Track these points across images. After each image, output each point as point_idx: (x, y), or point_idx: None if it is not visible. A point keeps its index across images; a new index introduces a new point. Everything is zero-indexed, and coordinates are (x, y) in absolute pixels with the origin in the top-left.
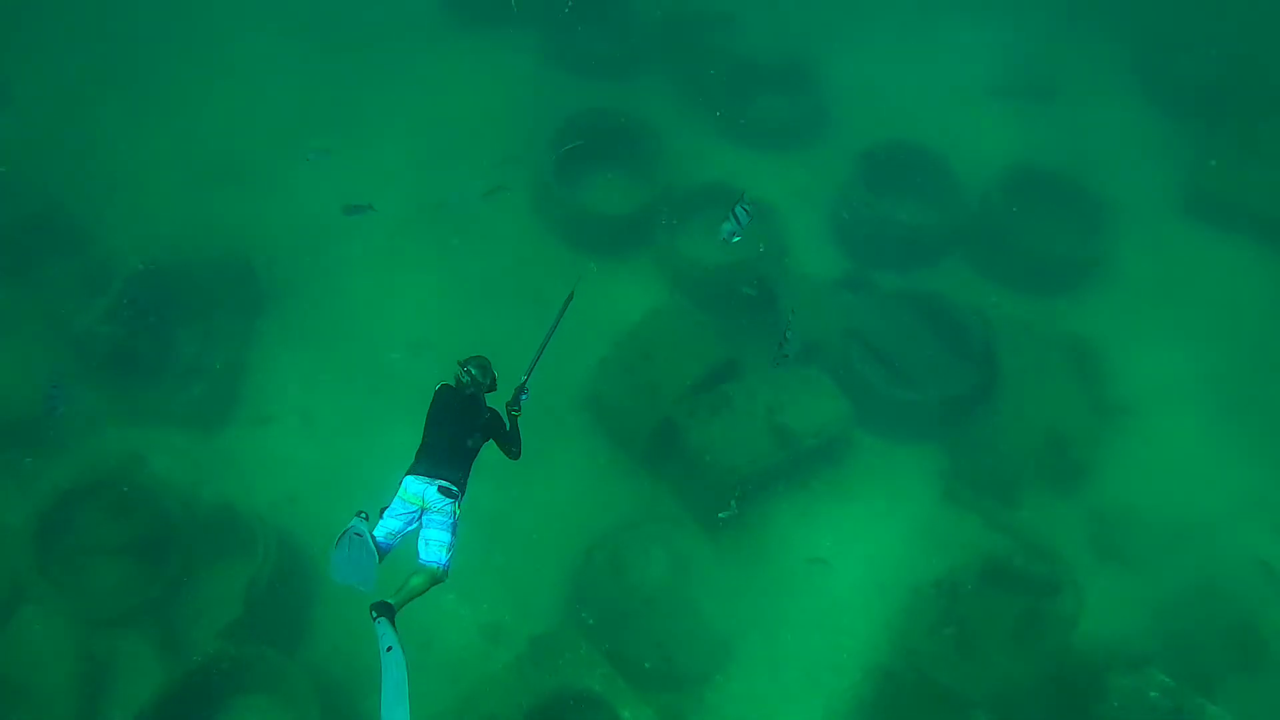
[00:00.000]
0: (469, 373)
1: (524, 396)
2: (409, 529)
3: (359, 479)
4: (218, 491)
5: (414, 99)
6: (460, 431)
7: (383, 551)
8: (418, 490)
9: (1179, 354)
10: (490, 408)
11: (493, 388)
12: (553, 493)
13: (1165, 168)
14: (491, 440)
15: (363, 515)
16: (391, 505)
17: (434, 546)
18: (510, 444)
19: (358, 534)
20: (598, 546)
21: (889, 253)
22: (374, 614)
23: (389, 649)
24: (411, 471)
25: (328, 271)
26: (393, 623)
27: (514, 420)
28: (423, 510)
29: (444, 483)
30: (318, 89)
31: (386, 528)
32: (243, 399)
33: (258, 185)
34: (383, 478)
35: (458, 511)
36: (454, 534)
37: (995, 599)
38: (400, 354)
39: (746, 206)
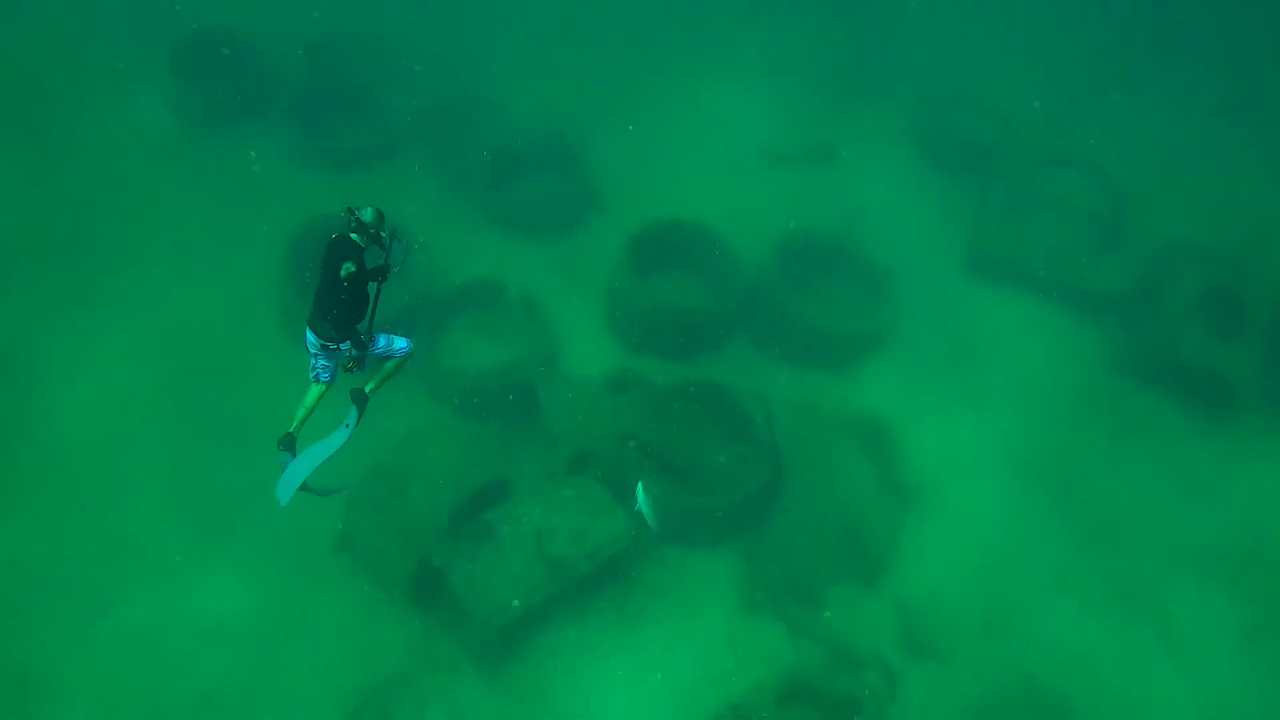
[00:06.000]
0: (353, 218)
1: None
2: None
3: None
4: None
5: (152, 216)
6: (332, 275)
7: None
8: (313, 341)
9: (970, 424)
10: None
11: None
12: (314, 653)
13: (944, 227)
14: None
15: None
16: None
17: (382, 356)
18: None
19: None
20: (363, 711)
21: (668, 340)
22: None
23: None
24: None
25: None
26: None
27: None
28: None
29: (336, 347)
30: (41, 216)
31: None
32: None
33: None
34: None
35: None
36: (382, 344)
37: None
38: None
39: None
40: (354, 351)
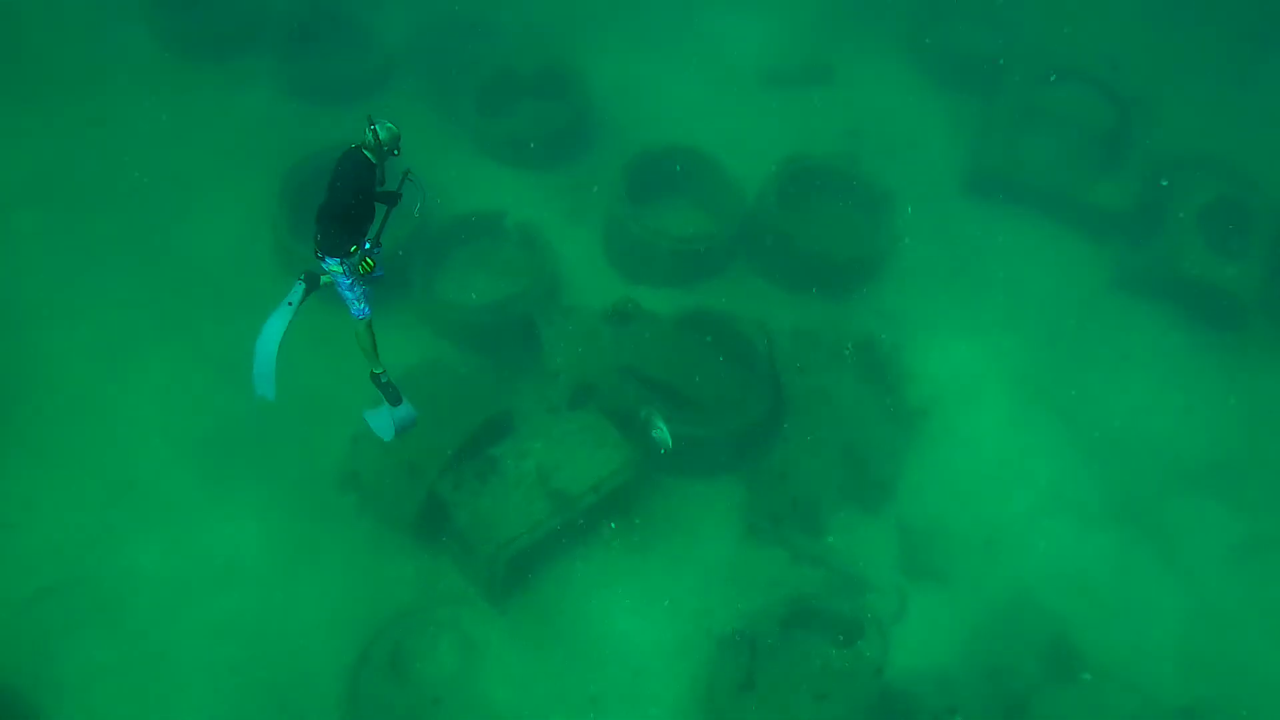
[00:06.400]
0: (370, 129)
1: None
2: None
3: None
4: None
5: (140, 152)
6: (339, 192)
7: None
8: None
9: (971, 345)
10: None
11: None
12: (324, 589)
13: (946, 144)
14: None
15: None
16: None
17: (351, 308)
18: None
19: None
20: (376, 643)
21: (667, 268)
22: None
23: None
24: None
25: None
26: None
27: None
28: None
29: (324, 256)
30: (27, 154)
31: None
32: None
33: None
34: None
35: (350, 274)
36: (355, 291)
37: (798, 648)
38: None
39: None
40: (336, 269)
